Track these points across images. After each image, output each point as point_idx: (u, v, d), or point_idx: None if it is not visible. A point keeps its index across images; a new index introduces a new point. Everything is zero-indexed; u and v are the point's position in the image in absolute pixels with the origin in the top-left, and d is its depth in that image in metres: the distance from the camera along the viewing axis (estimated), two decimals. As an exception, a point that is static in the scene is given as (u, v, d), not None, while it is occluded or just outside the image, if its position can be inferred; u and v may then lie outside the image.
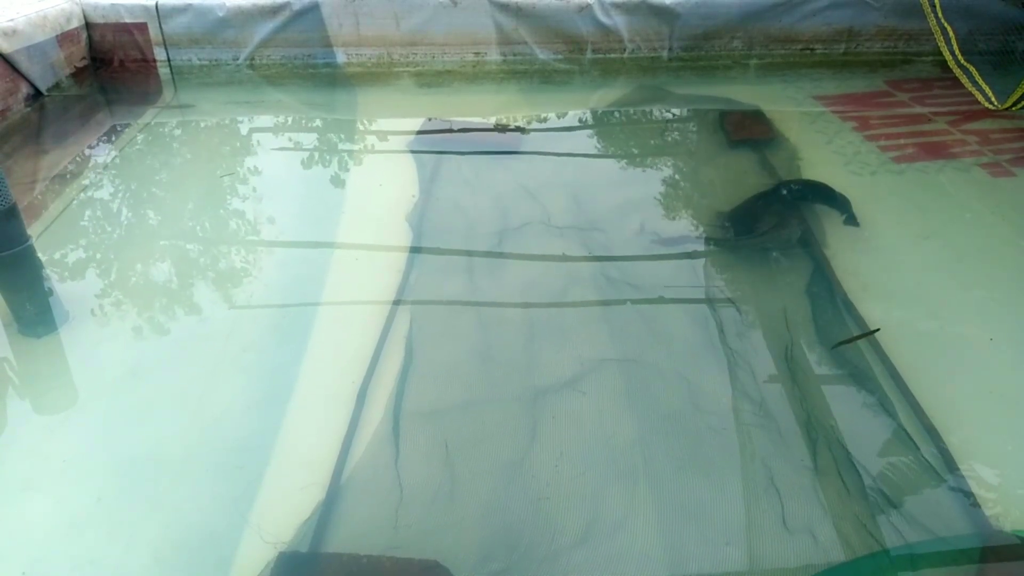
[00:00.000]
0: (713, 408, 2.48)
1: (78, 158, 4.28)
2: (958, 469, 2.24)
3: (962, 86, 5.14)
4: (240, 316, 2.96)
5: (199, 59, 5.70)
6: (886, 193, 3.83)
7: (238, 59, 5.70)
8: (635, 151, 4.52)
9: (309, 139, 4.71)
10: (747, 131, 4.58)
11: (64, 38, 5.21)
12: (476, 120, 4.98)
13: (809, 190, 3.82)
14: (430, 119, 4.86)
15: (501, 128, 4.79)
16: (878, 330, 2.77)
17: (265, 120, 4.96)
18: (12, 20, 4.71)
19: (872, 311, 2.89)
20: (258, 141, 4.61)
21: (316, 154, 4.45)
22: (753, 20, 5.71)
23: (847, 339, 2.76)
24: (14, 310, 2.79)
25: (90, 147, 4.45)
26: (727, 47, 5.86)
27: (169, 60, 5.67)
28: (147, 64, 5.65)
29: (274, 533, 2.04)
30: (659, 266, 3.29)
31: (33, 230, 3.31)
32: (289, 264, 3.32)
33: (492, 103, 5.30)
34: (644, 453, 2.31)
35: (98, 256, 3.38)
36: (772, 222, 3.44)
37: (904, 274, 3.19)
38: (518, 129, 4.76)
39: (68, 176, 4.05)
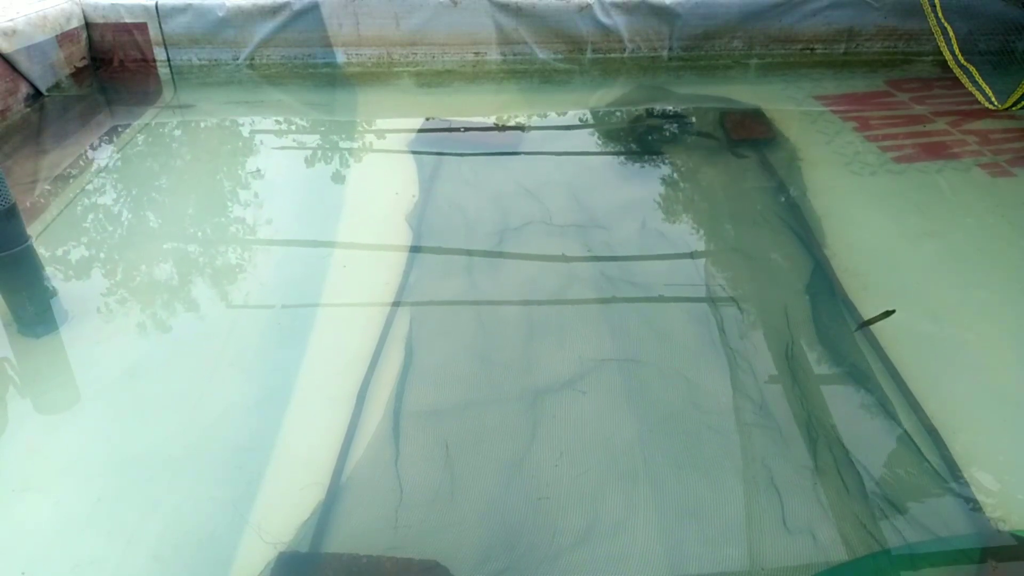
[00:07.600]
0: (713, 408, 2.48)
1: (78, 158, 4.28)
2: (958, 469, 2.24)
3: (962, 86, 5.14)
4: (240, 316, 2.96)
5: (199, 59, 5.70)
6: (886, 193, 3.83)
7: (238, 59, 5.70)
8: (635, 151, 4.51)
9: (309, 139, 4.70)
10: (747, 131, 4.58)
11: (64, 38, 5.20)
12: (476, 120, 4.98)
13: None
14: (429, 119, 4.86)
15: (501, 128, 4.79)
16: (894, 311, 2.78)
17: (265, 120, 4.96)
18: (12, 20, 4.71)
19: (872, 312, 2.88)
20: (258, 141, 4.61)
21: (316, 154, 4.45)
22: (753, 20, 5.71)
23: (867, 320, 2.80)
24: (14, 310, 2.79)
25: (90, 147, 4.44)
26: (727, 47, 5.86)
27: (169, 60, 5.66)
28: (147, 64, 5.65)
29: (274, 533, 2.04)
30: (659, 265, 3.28)
31: (33, 230, 3.31)
32: (289, 264, 3.32)
33: (492, 103, 5.30)
34: (644, 453, 2.31)
35: (98, 256, 3.38)
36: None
37: (904, 274, 3.18)
38: (518, 128, 4.76)
39: (68, 176, 4.05)
